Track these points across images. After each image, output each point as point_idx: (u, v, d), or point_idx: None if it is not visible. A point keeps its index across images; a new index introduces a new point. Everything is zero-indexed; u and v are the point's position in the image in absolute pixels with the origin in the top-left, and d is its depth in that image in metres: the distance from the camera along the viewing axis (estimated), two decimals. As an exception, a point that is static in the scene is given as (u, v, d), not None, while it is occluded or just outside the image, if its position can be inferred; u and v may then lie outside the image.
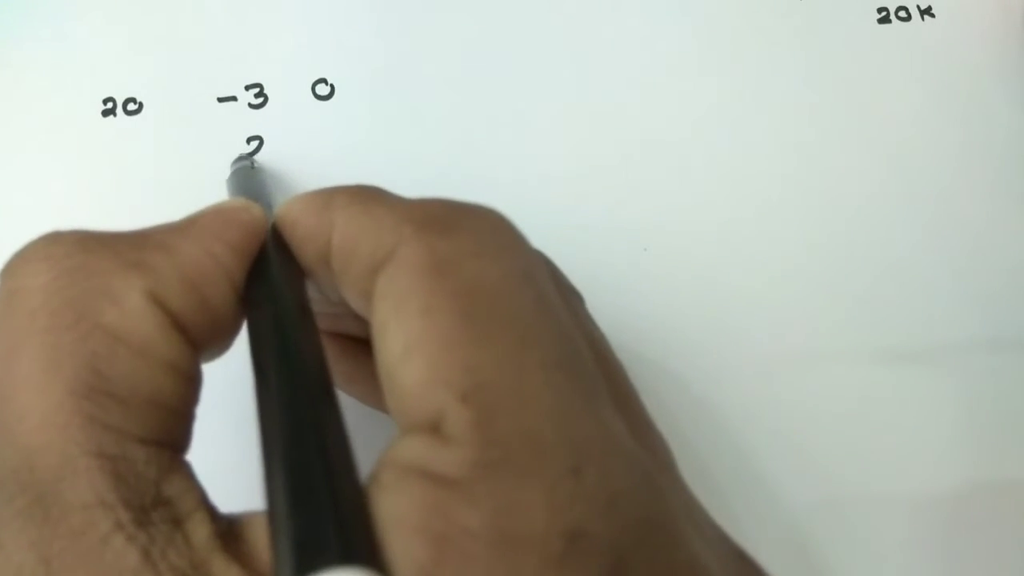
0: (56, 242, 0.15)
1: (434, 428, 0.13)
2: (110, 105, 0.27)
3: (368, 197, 0.16)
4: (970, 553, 0.23)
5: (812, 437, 0.24)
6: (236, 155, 0.26)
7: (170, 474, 0.13)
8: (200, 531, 0.13)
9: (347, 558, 0.11)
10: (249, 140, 0.27)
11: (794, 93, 0.28)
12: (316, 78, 0.28)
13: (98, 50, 0.28)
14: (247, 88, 0.28)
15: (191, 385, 0.15)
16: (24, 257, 0.15)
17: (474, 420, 0.12)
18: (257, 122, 0.27)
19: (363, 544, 0.12)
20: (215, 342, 0.16)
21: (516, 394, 0.13)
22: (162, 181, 0.26)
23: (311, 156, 0.27)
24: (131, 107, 0.27)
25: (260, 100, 0.28)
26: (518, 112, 0.28)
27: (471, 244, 0.14)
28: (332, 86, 0.28)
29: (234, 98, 0.27)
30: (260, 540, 0.13)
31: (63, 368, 0.13)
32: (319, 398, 0.14)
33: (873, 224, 0.26)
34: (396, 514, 0.12)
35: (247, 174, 0.24)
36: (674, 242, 0.26)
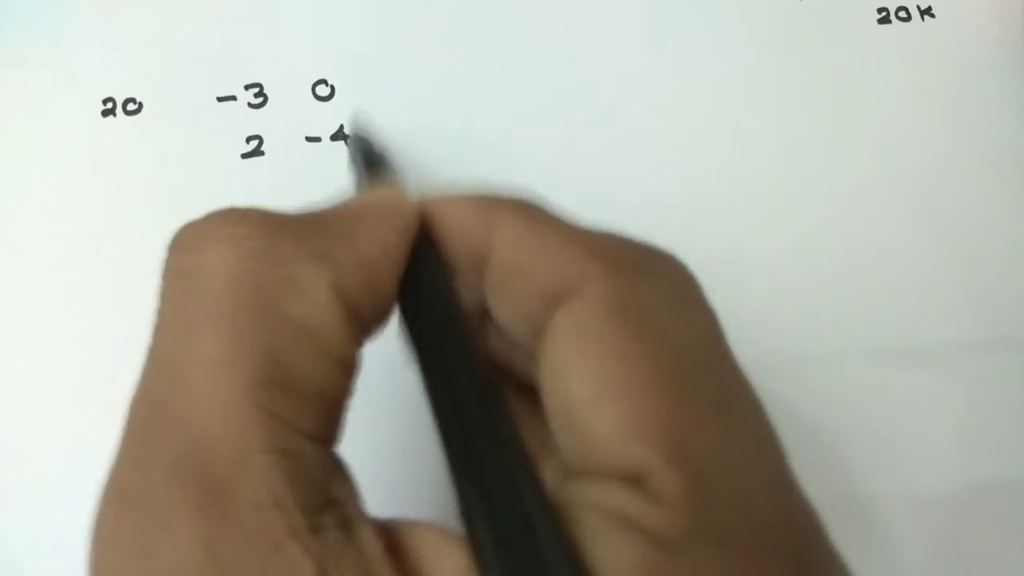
0: (237, 221, 0.14)
1: (636, 482, 0.12)
2: (110, 105, 0.27)
3: (537, 217, 0.15)
4: (970, 553, 0.23)
5: (810, 436, 0.24)
6: (352, 132, 0.25)
7: (334, 474, 0.13)
8: (371, 541, 0.12)
9: None
10: (249, 140, 0.27)
11: (794, 93, 0.28)
12: (316, 78, 0.28)
13: (98, 50, 0.28)
14: (247, 88, 0.28)
15: (352, 377, 0.14)
16: (204, 232, 0.14)
17: (686, 485, 0.12)
18: (257, 122, 0.27)
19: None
20: (376, 332, 0.15)
21: (725, 460, 0.12)
22: (162, 181, 0.26)
23: (311, 156, 0.27)
24: (131, 107, 0.27)
25: (260, 100, 0.28)
26: (518, 113, 0.28)
27: (665, 293, 0.14)
28: (332, 86, 0.28)
29: (234, 98, 0.27)
30: (427, 555, 0.12)
31: (246, 357, 0.13)
32: (498, 402, 0.13)
33: (873, 224, 0.26)
34: (615, 564, 0.11)
35: (372, 153, 0.23)
36: (673, 243, 0.26)
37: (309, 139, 0.27)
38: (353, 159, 0.23)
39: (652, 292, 0.14)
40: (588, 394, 0.13)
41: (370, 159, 0.23)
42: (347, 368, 0.14)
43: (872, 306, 0.25)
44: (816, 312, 0.25)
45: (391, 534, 0.12)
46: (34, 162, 0.26)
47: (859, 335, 0.25)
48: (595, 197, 0.27)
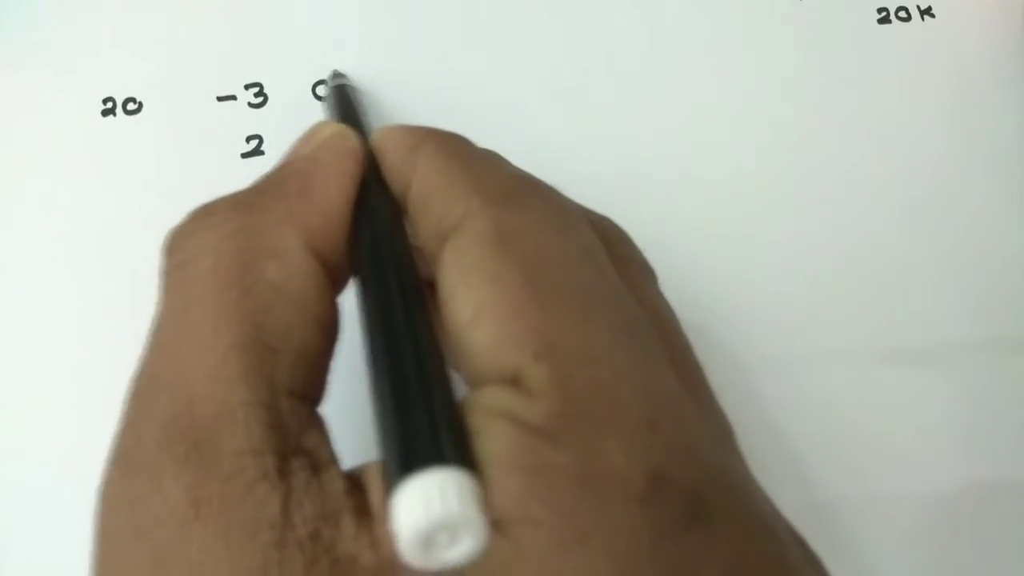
0: (209, 212, 0.16)
1: (513, 382, 0.14)
2: (110, 105, 0.27)
3: (452, 152, 0.17)
4: (970, 553, 0.23)
5: (810, 436, 0.24)
6: (330, 73, 0.26)
7: (309, 427, 0.14)
8: (335, 483, 0.13)
9: (452, 460, 0.12)
10: (249, 140, 0.27)
11: (794, 93, 0.28)
12: (316, 78, 0.28)
13: (98, 50, 0.28)
14: (247, 88, 0.28)
15: (332, 337, 0.16)
16: (184, 232, 0.16)
17: (551, 376, 0.13)
18: (257, 122, 0.27)
19: (466, 451, 0.13)
20: (345, 279, 0.17)
21: (587, 354, 0.14)
22: (162, 181, 0.26)
23: (311, 156, 0.27)
24: (131, 107, 0.27)
25: (260, 100, 0.28)
26: (519, 113, 0.28)
27: (534, 220, 0.15)
28: (332, 86, 0.28)
29: (234, 98, 0.27)
30: (377, 487, 0.13)
31: (231, 323, 0.14)
32: (418, 312, 0.15)
33: (873, 224, 0.26)
34: (490, 452, 0.13)
35: (344, 93, 0.24)
36: (673, 242, 0.26)
37: (309, 139, 0.27)
38: (331, 102, 0.24)
39: (526, 220, 0.15)
40: (468, 316, 0.14)
41: (347, 105, 0.23)
42: (327, 327, 0.15)
43: (872, 306, 0.25)
44: (815, 312, 0.25)
45: (357, 477, 0.14)
46: (34, 162, 0.26)
47: (858, 335, 0.25)
48: (593, 198, 0.27)
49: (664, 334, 0.16)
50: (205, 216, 0.16)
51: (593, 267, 0.15)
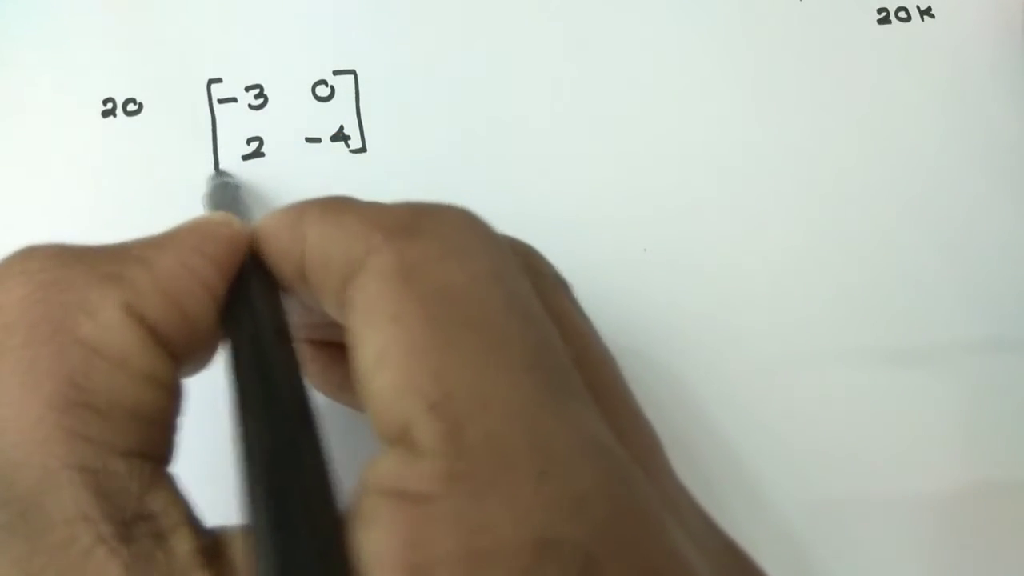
0: (30, 257, 0.15)
1: (405, 440, 0.13)
2: (110, 105, 0.27)
3: (338, 208, 0.16)
4: (970, 553, 0.23)
5: (810, 437, 0.24)
6: (211, 173, 0.26)
7: (153, 487, 0.13)
8: (182, 546, 0.13)
9: None
10: (249, 140, 0.27)
11: (794, 93, 0.28)
12: (316, 79, 0.28)
13: (98, 50, 0.28)
14: (247, 88, 0.28)
15: (172, 397, 0.15)
16: (2, 273, 0.15)
17: (444, 431, 0.12)
18: (257, 122, 0.27)
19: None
20: (196, 355, 0.16)
21: (482, 400, 0.13)
22: (162, 181, 0.26)
23: (311, 157, 0.27)
24: (131, 107, 0.27)
25: (260, 100, 0.28)
26: (519, 114, 0.28)
27: (436, 248, 0.14)
28: (332, 87, 0.28)
29: (234, 99, 0.27)
30: (240, 558, 0.13)
31: (41, 383, 0.13)
32: (298, 423, 0.14)
33: (873, 224, 0.26)
34: (376, 551, 0.12)
35: (225, 190, 0.24)
36: (674, 242, 0.26)
37: (309, 140, 0.27)
38: (210, 198, 0.24)
39: (427, 250, 0.14)
40: (371, 361, 0.14)
41: (224, 196, 0.23)
42: (163, 388, 0.14)
43: (871, 306, 0.25)
44: (815, 312, 0.25)
45: (217, 541, 0.13)
46: (34, 162, 0.26)
47: (857, 335, 0.25)
48: (594, 199, 0.27)
49: (581, 351, 0.15)
50: (24, 259, 0.15)
51: (501, 292, 0.14)
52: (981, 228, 0.27)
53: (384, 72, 0.28)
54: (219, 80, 0.28)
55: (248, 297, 0.16)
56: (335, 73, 0.28)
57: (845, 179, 0.27)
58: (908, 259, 0.26)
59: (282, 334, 0.16)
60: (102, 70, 0.28)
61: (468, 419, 0.13)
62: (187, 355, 0.15)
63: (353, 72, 0.28)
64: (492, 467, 0.12)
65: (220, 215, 0.17)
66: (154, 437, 0.14)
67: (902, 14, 0.30)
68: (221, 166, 0.26)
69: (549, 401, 0.13)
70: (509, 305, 0.14)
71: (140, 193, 0.26)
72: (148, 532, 0.13)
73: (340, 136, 0.27)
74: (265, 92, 0.28)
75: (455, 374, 0.13)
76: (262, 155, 0.27)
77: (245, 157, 0.27)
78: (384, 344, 0.13)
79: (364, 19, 0.29)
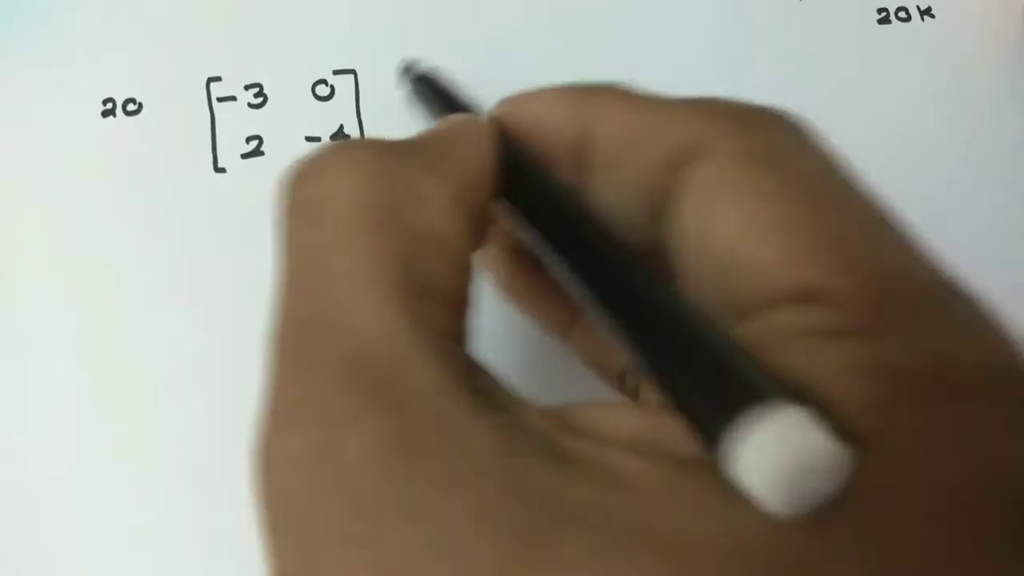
0: (354, 147, 0.15)
1: (811, 299, 0.13)
2: (110, 105, 0.27)
3: (637, 96, 0.17)
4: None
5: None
6: (404, 64, 0.25)
7: (477, 369, 0.14)
8: (531, 414, 0.13)
9: (778, 395, 0.11)
10: (248, 139, 0.27)
11: (793, 94, 0.28)
12: (316, 78, 0.28)
13: (97, 50, 0.28)
14: (247, 87, 0.28)
15: (471, 288, 0.15)
16: (322, 163, 0.15)
17: (862, 287, 0.13)
18: (257, 122, 0.27)
19: (784, 384, 0.12)
20: (480, 245, 0.17)
21: (890, 265, 0.14)
22: (162, 181, 0.26)
23: (311, 156, 0.27)
24: (131, 107, 0.27)
25: (260, 100, 0.28)
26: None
27: (789, 139, 0.15)
28: (332, 86, 0.28)
29: (233, 97, 0.27)
30: (598, 421, 0.13)
31: (386, 268, 0.13)
32: (638, 265, 0.14)
33: (873, 224, 0.26)
34: (821, 365, 0.12)
35: (436, 82, 0.24)
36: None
37: (309, 139, 0.27)
38: (419, 97, 0.24)
39: (778, 140, 0.15)
40: (740, 231, 0.14)
41: (439, 95, 0.23)
42: (471, 276, 0.15)
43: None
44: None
45: (554, 414, 0.13)
46: (34, 162, 0.26)
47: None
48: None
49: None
50: (344, 151, 0.15)
51: (855, 179, 0.15)
52: (982, 228, 0.27)
53: (384, 72, 0.28)
54: (218, 79, 0.28)
55: (532, 171, 0.17)
56: (335, 73, 0.28)
57: (845, 179, 0.27)
58: (908, 259, 0.26)
59: (572, 192, 0.17)
60: (102, 70, 0.28)
61: (879, 276, 0.13)
62: (479, 244, 0.16)
63: (353, 72, 0.28)
64: (924, 309, 0.13)
65: (467, 116, 0.18)
66: (467, 323, 0.15)
67: (902, 14, 0.30)
68: (406, 66, 0.25)
69: (940, 267, 0.14)
70: (865, 188, 0.15)
71: (140, 193, 0.26)
72: (493, 405, 0.13)
73: (340, 136, 0.27)
74: (265, 91, 0.28)
75: (849, 242, 0.13)
76: (261, 154, 0.27)
77: (244, 156, 0.27)
78: (757, 215, 0.14)
79: (364, 19, 0.29)
